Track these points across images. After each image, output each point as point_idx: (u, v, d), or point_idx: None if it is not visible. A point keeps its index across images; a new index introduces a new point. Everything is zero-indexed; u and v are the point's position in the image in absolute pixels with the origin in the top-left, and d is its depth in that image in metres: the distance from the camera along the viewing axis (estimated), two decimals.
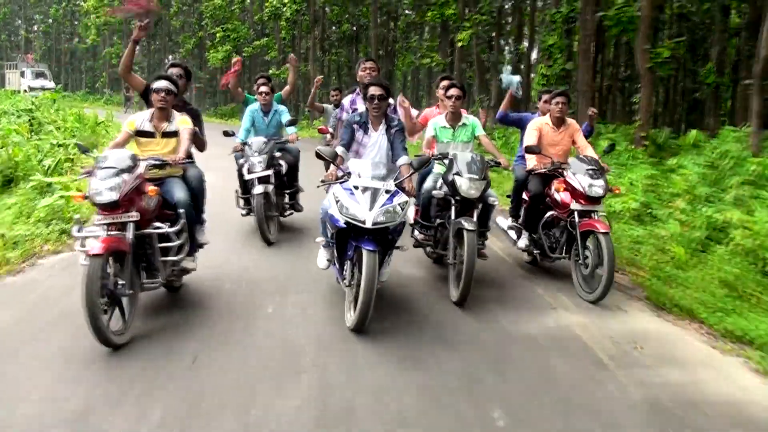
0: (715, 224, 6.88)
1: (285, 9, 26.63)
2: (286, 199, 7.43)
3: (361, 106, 5.66)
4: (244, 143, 6.94)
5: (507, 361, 4.07)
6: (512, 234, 6.20)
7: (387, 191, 4.26)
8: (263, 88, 7.16)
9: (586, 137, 6.13)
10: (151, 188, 4.23)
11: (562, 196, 5.50)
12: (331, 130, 7.75)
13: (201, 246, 5.19)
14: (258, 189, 6.58)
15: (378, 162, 4.69)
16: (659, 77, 18.64)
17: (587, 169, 5.35)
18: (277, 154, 7.06)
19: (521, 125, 6.43)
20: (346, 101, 6.38)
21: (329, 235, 4.65)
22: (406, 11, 31.09)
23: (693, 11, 20.01)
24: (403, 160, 4.81)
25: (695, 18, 20.23)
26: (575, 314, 5.00)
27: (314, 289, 5.35)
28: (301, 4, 26.69)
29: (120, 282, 3.96)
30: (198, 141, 5.27)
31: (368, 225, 4.09)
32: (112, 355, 3.89)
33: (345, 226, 4.23)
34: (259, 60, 37.92)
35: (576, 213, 5.36)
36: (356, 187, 4.25)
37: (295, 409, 3.30)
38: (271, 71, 31.52)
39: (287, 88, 8.10)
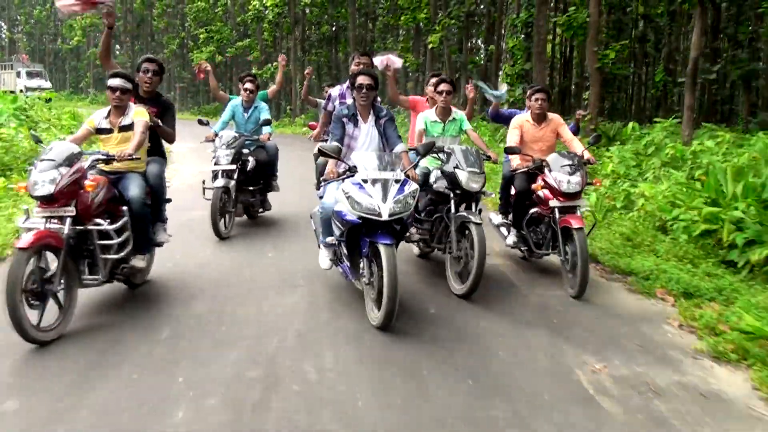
0: (631, 196, 8.40)
1: (268, 12, 27.88)
2: (258, 197, 7.51)
3: (350, 99, 5.46)
4: (216, 134, 7.06)
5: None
6: (503, 231, 6.25)
7: (396, 181, 4.23)
8: (248, 85, 7.28)
9: (575, 134, 6.22)
10: (88, 183, 4.13)
11: (544, 193, 5.55)
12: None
13: (158, 245, 5.14)
14: (218, 182, 6.65)
15: (381, 153, 4.66)
16: (619, 76, 20.31)
17: (564, 165, 5.38)
18: (245, 150, 7.10)
19: (508, 123, 6.41)
20: (334, 92, 6.16)
21: (338, 233, 4.52)
22: (382, 14, 32.62)
23: (658, 13, 21.77)
24: (400, 147, 4.82)
25: (659, 20, 21.94)
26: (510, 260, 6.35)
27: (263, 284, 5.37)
28: (282, 7, 27.97)
29: (49, 276, 3.92)
30: (165, 133, 5.25)
31: (385, 217, 4.06)
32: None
33: (359, 221, 4.17)
34: (241, 60, 39.14)
35: (556, 210, 5.40)
36: (365, 181, 4.18)
37: None
38: (253, 71, 32.76)
39: (274, 87, 8.33)
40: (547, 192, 5.51)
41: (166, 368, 3.67)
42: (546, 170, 5.51)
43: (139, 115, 4.71)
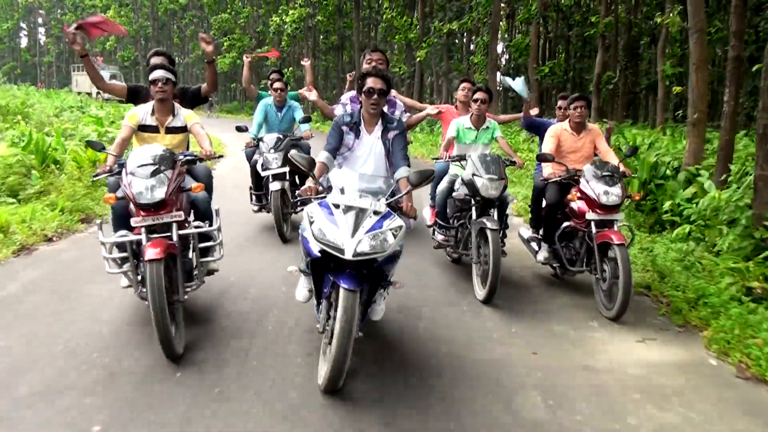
0: None
1: (286, 26, 33.50)
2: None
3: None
4: (258, 139, 6.92)
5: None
6: (534, 246, 5.89)
7: (376, 212, 3.29)
8: (277, 84, 7.09)
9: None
10: (195, 185, 3.96)
11: (579, 205, 5.24)
12: None
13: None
14: (275, 186, 6.54)
15: (370, 175, 3.95)
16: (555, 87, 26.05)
17: (602, 176, 5.04)
18: (293, 151, 6.01)
19: (540, 132, 6.17)
20: (345, 97, 5.38)
21: (303, 265, 3.76)
22: (384, 25, 38.28)
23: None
24: (402, 172, 3.85)
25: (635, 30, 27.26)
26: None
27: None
28: (299, 23, 33.55)
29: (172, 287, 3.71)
30: (211, 77, 5.20)
31: (347, 256, 3.10)
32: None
33: (320, 255, 3.28)
34: (259, 64, 44.90)
35: (593, 223, 5.08)
36: (336, 206, 3.27)
37: None
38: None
39: (302, 91, 7.71)
40: (582, 204, 5.20)
41: None
42: (582, 180, 5.18)
43: (191, 118, 4.50)
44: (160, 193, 3.65)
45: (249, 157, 7.33)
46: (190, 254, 4.16)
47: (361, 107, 4.05)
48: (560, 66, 22.36)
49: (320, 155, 3.86)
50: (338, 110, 4.94)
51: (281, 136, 6.81)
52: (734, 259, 5.71)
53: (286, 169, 6.62)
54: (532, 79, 20.22)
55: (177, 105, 4.52)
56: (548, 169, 5.58)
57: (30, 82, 48.14)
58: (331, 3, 32.76)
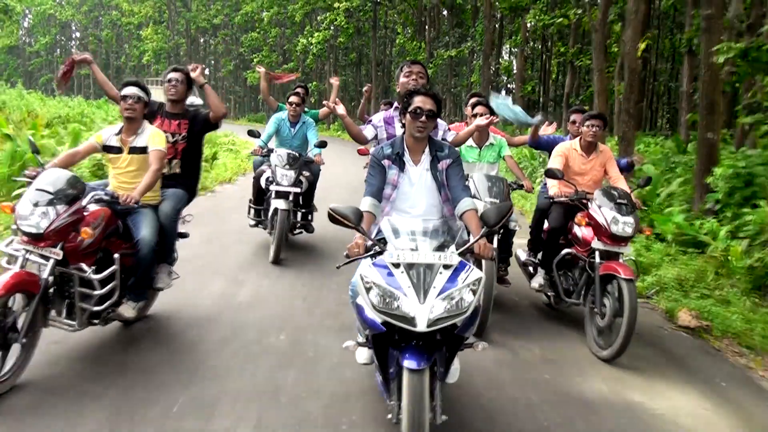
0: None
1: (312, 47, 38.48)
2: (299, 218, 7.03)
3: (399, 128, 3.81)
4: (268, 150, 6.71)
5: None
6: (530, 270, 5.49)
7: (446, 266, 2.67)
8: (293, 98, 6.94)
9: (621, 172, 5.26)
10: (84, 230, 3.59)
11: (584, 232, 4.79)
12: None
13: (157, 289, 4.49)
14: (281, 204, 6.28)
15: (425, 218, 3.15)
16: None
17: (616, 203, 4.56)
18: (305, 172, 6.75)
19: (549, 149, 5.55)
20: (378, 118, 4.23)
21: (361, 338, 3.22)
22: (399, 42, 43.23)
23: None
24: (466, 203, 3.23)
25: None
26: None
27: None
28: (324, 44, 38.50)
29: (13, 323, 3.34)
30: (212, 101, 4.65)
31: (420, 327, 2.54)
32: None
33: (385, 329, 2.70)
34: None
35: (597, 252, 4.61)
36: (396, 265, 2.66)
37: None
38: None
39: (325, 108, 7.06)
40: (588, 231, 4.76)
41: None
42: (593, 204, 4.72)
43: (155, 140, 4.11)
44: (41, 226, 3.38)
45: (256, 167, 7.14)
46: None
47: (403, 133, 3.41)
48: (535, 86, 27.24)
49: (363, 202, 3.20)
50: (368, 132, 4.19)
51: (296, 155, 6.58)
52: None
53: (298, 189, 6.48)
54: (517, 96, 24.91)
55: (146, 124, 4.24)
56: (555, 188, 5.14)
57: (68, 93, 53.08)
58: (351, 26, 37.59)
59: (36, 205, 3.42)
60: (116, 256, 3.84)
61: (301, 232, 7.33)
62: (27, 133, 10.29)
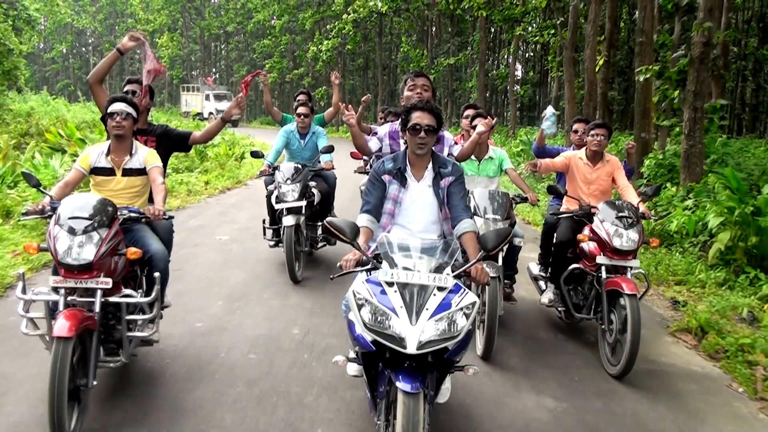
0: None
1: (322, 54, 40.88)
2: (319, 231, 6.71)
3: (403, 144, 3.77)
4: (274, 167, 6.45)
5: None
6: (541, 284, 5.52)
7: (440, 288, 2.65)
8: (301, 109, 6.62)
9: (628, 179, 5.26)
10: (132, 250, 3.41)
11: (590, 246, 4.76)
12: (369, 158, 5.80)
13: (166, 307, 4.30)
14: (288, 221, 6.02)
15: (424, 236, 3.24)
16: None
17: (618, 216, 4.54)
18: (312, 183, 6.51)
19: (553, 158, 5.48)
20: (383, 131, 4.22)
21: (352, 353, 3.21)
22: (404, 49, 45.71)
23: None
24: (465, 225, 3.22)
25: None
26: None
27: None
28: (332, 51, 40.92)
29: (79, 371, 3.14)
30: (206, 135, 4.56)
31: (410, 349, 2.51)
32: None
33: (374, 348, 2.69)
34: (295, 83, 52.44)
35: (603, 268, 4.59)
36: (390, 284, 2.65)
37: None
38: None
39: (331, 109, 7.36)
40: (593, 246, 4.74)
41: None
42: (596, 219, 4.70)
43: (151, 160, 3.93)
44: (88, 255, 3.13)
45: (267, 185, 6.85)
46: (119, 324, 3.46)
47: (406, 148, 3.34)
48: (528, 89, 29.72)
49: (360, 219, 3.14)
50: (372, 144, 4.10)
51: (300, 166, 6.36)
52: None
53: (303, 203, 6.19)
54: (510, 100, 27.24)
55: (136, 143, 3.98)
56: (562, 204, 5.24)
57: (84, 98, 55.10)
58: (359, 35, 39.95)
59: (74, 233, 3.17)
60: (156, 274, 3.68)
61: (324, 245, 7.09)
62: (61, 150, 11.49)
